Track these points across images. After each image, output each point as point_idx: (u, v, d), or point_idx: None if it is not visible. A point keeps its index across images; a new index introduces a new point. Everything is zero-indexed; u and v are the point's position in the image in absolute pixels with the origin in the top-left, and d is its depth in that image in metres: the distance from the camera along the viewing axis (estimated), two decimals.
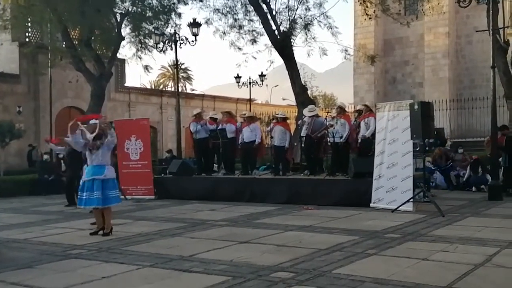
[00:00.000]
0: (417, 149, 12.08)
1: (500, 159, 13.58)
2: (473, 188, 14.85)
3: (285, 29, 20.12)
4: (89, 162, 8.67)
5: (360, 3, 21.13)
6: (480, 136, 23.48)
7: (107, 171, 8.55)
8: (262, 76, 32.63)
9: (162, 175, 16.30)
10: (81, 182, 9.03)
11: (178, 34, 21.96)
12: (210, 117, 15.60)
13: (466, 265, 5.83)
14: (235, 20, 21.24)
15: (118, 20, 21.11)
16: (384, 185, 11.05)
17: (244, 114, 15.51)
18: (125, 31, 21.74)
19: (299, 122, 14.78)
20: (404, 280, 5.23)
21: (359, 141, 12.85)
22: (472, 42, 32.43)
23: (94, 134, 8.50)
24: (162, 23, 21.60)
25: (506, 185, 13.32)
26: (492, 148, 13.20)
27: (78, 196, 8.87)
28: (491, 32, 13.84)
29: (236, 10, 21.17)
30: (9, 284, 5.56)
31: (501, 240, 7.24)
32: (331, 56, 24.76)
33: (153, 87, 56.12)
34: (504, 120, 18.20)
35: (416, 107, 10.43)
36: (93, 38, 21.42)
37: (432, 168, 15.82)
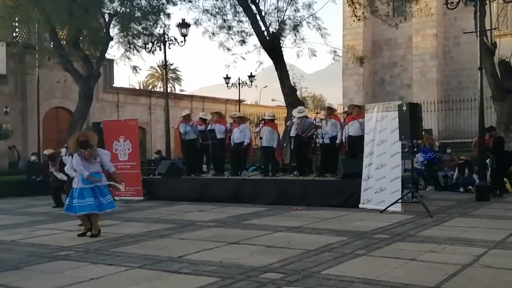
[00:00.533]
0: (406, 150, 12.14)
1: (488, 160, 13.69)
2: (461, 189, 14.95)
3: (274, 30, 20.16)
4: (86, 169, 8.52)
5: (349, 5, 21.23)
6: (467, 137, 23.63)
7: (104, 178, 8.65)
8: (251, 77, 32.64)
9: (151, 176, 16.24)
10: (76, 188, 8.64)
11: (167, 35, 21.95)
12: (200, 118, 15.58)
13: (454, 265, 5.86)
14: (224, 21, 21.27)
15: (107, 20, 21.04)
16: (373, 186, 11.10)
17: (235, 115, 15.51)
18: (114, 31, 21.71)
19: (288, 123, 14.81)
20: (393, 281, 5.25)
21: (345, 140, 12.87)
22: (459, 43, 32.67)
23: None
24: (151, 23, 21.59)
25: (493, 186, 13.44)
26: (480, 149, 13.30)
27: (75, 204, 8.49)
28: (478, 34, 13.95)
29: (225, 11, 21.22)
30: None
31: (488, 241, 7.29)
32: (320, 57, 25.10)
33: (141, 87, 55.99)
34: (492, 121, 18.35)
35: (404, 108, 10.48)
36: (81, 38, 21.35)
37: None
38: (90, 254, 7.11)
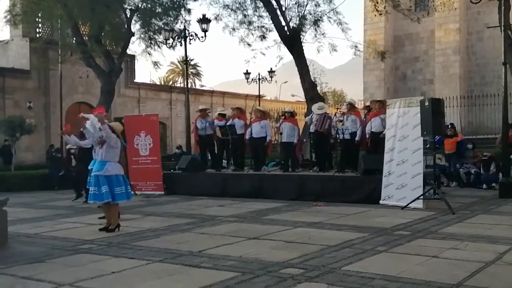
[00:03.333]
0: (428, 146, 12.01)
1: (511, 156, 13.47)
2: (484, 186, 14.75)
3: (294, 25, 20.06)
4: (94, 156, 8.76)
5: None
6: (491, 133, 23.30)
7: (109, 166, 8.45)
8: (271, 72, 32.57)
9: (172, 171, 16.34)
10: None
11: (188, 30, 21.98)
12: (219, 114, 15.61)
13: (477, 262, 5.79)
14: (245, 16, 21.21)
15: (128, 16, 21.15)
16: (394, 182, 11.01)
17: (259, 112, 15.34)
18: (135, 27, 21.79)
19: (307, 118, 14.75)
20: (414, 278, 5.20)
21: (367, 137, 12.80)
22: (483, 38, 32.15)
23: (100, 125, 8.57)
24: (172, 19, 21.62)
25: None
26: (503, 146, 13.10)
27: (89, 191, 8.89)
28: (502, 29, 13.72)
29: (245, 6, 21.14)
30: (20, 278, 5.60)
31: None
32: (340, 52, 24.74)
33: (162, 83, 56.26)
34: None
35: (426, 103, 10.36)
36: (103, 34, 21.49)
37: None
38: (112, 247, 7.19)
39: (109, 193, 8.37)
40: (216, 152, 15.54)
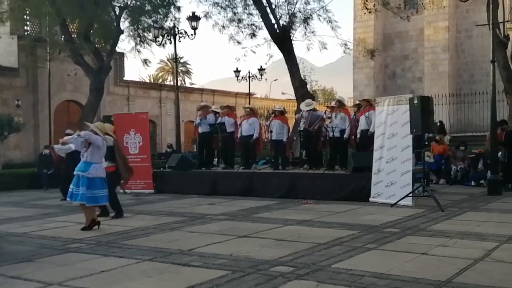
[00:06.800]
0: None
1: (500, 154, 13.57)
2: (472, 183, 14.84)
3: (284, 23, 20.08)
4: (82, 158, 8.76)
5: None
6: (479, 130, 23.44)
7: (93, 169, 8.49)
8: (261, 70, 32.60)
9: (161, 169, 16.29)
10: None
11: (177, 28, 21.92)
12: (212, 110, 15.55)
13: (466, 259, 5.83)
14: (234, 13, 21.22)
15: (117, 13, 21.06)
16: (383, 180, 11.04)
17: (248, 109, 15.40)
18: (124, 24, 21.73)
19: (297, 116, 14.78)
20: (404, 275, 5.22)
21: (358, 136, 12.88)
22: (472, 36, 32.32)
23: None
24: (161, 16, 21.57)
25: (505, 180, 13.33)
26: (492, 143, 13.20)
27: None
28: (491, 27, 13.81)
29: (235, 4, 21.16)
30: (9, 278, 5.55)
31: (500, 235, 7.24)
32: (330, 50, 24.77)
33: (152, 81, 56.04)
34: (504, 115, 18.18)
35: (415, 101, 10.40)
36: (91, 31, 21.37)
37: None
38: (101, 246, 7.15)
39: (84, 195, 8.41)
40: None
